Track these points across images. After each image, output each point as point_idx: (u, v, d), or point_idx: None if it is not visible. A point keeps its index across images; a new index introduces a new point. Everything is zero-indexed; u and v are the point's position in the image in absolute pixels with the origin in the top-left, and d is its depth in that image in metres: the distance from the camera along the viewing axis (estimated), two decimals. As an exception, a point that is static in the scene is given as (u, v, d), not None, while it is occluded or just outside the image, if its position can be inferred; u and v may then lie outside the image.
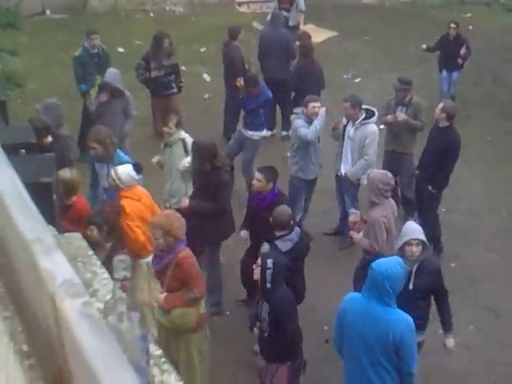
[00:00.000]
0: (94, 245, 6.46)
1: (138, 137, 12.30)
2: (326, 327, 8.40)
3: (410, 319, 5.65)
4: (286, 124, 12.39)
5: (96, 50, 11.89)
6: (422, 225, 9.83)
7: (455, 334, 8.06)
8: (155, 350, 2.21)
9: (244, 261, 8.50)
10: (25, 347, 1.30)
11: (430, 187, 9.66)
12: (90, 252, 2.77)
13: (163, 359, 2.18)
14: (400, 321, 5.61)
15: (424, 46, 14.48)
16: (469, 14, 19.62)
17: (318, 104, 9.72)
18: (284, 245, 7.61)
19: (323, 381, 7.84)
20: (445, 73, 14.15)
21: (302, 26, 15.27)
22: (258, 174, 8.37)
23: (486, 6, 21.49)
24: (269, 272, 6.58)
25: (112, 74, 10.64)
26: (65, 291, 1.03)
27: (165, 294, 6.73)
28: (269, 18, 14.47)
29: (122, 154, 8.65)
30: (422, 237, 6.86)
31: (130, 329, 1.90)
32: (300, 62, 12.54)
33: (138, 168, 8.06)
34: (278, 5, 15.17)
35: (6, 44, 15.36)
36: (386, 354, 5.65)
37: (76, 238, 2.93)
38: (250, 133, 11.06)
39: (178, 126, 9.19)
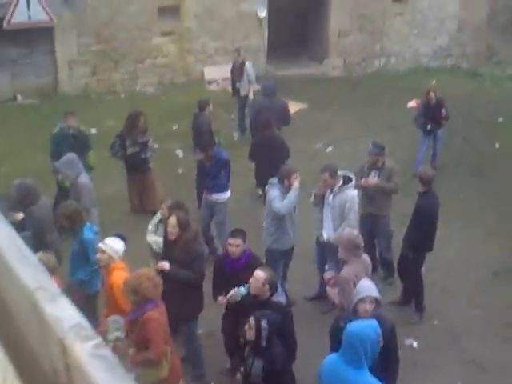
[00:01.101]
0: None
1: (113, 213, 12.32)
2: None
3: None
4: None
5: (71, 131, 12.01)
6: (404, 287, 10.06)
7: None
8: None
9: (224, 329, 8.46)
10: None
11: (410, 253, 9.73)
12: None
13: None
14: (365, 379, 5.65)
15: (429, 126, 14.60)
16: (434, 81, 20.06)
17: (296, 175, 9.81)
18: (282, 298, 7.72)
19: None
20: (429, 135, 14.43)
21: (251, 96, 15.95)
22: (234, 240, 8.28)
23: (450, 72, 22.08)
24: (264, 332, 6.60)
25: (64, 160, 10.54)
26: (74, 335, 1.04)
27: (132, 349, 6.70)
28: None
29: (87, 231, 8.69)
30: (376, 294, 6.91)
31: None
32: (260, 135, 12.84)
33: (123, 238, 8.10)
34: (232, 77, 16.39)
35: (-23, 130, 15.42)
36: None
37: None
38: (215, 196, 11.16)
39: (173, 208, 9.17)
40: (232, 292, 7.99)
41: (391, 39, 22.24)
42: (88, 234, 8.63)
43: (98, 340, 1.04)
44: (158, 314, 6.75)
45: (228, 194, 11.33)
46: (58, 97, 18.09)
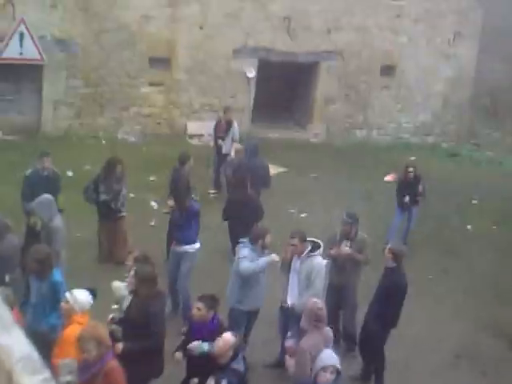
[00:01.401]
0: None
1: (81, 260, 12.17)
2: None
3: None
4: None
5: (46, 173, 11.95)
6: (364, 361, 9.95)
7: None
8: None
9: None
10: None
11: (375, 329, 9.65)
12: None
13: None
14: None
15: (406, 199, 14.69)
16: (413, 157, 20.29)
17: (268, 236, 9.80)
18: (239, 365, 7.54)
19: None
20: (403, 211, 14.54)
21: (232, 154, 15.99)
22: (198, 303, 8.14)
23: (430, 150, 22.40)
24: None
25: (41, 201, 10.41)
26: (22, 368, 1.02)
27: None
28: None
29: (56, 274, 8.55)
30: (337, 364, 6.83)
31: None
32: (233, 195, 12.92)
33: (93, 293, 7.88)
34: (214, 134, 16.53)
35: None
36: None
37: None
38: (186, 247, 11.02)
39: (138, 262, 9.07)
40: (194, 343, 7.86)
41: (375, 111, 22.58)
42: (58, 276, 8.52)
43: (47, 374, 1.02)
44: (117, 363, 6.61)
45: (198, 245, 11.18)
46: (40, 136, 18.10)
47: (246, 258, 9.59)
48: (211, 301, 8.16)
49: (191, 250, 11.08)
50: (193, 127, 20.28)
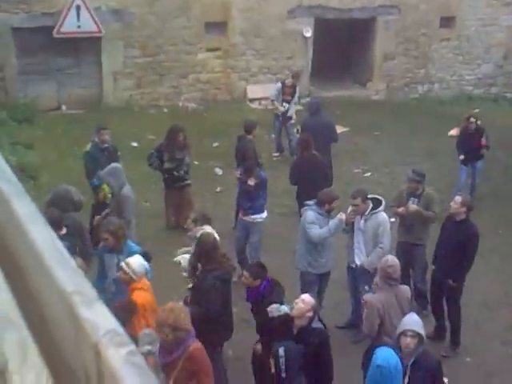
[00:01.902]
0: None
1: (149, 229, 12.33)
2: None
3: None
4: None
5: (106, 145, 12.03)
6: (437, 319, 9.85)
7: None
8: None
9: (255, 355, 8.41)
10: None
11: (450, 281, 9.57)
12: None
13: None
14: None
15: (461, 157, 14.51)
16: (477, 110, 19.91)
17: (336, 201, 9.77)
18: (318, 324, 7.60)
19: None
20: (467, 166, 14.30)
21: (294, 117, 16.32)
22: (244, 272, 8.37)
23: (494, 101, 21.94)
24: (282, 361, 6.48)
25: (109, 170, 10.61)
26: (109, 341, 1.02)
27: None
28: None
29: (132, 245, 8.65)
30: (420, 330, 6.74)
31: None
32: (300, 156, 12.77)
33: (147, 257, 8.05)
34: (280, 96, 16.33)
35: (21, 138, 15.63)
36: None
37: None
38: (253, 217, 11.06)
39: (198, 222, 9.12)
40: (273, 306, 7.84)
41: (435, 65, 22.17)
42: (135, 247, 8.62)
43: (132, 347, 1.03)
44: (200, 344, 6.64)
45: (265, 214, 11.24)
46: (102, 108, 18.25)
47: (315, 224, 9.56)
48: (256, 271, 8.29)
49: (259, 220, 11.10)
50: (252, 91, 20.22)
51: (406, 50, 21.74)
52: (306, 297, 7.49)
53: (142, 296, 7.51)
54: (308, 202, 10.05)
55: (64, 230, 8.43)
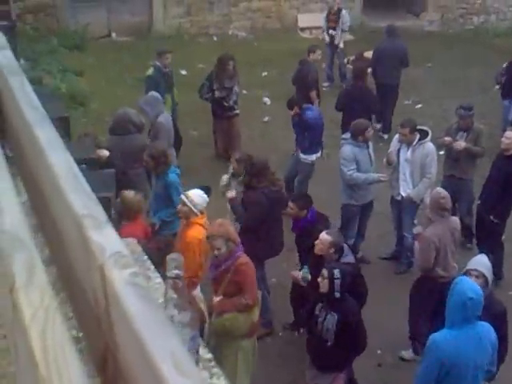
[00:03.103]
0: None
1: (198, 158, 12.44)
2: (379, 351, 8.36)
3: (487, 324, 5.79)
4: (383, 125, 13.82)
5: (167, 70, 12.01)
6: (480, 253, 9.80)
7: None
8: (205, 354, 2.23)
9: (293, 284, 8.54)
10: (75, 333, 1.34)
11: (491, 217, 9.51)
12: (145, 257, 2.82)
13: (213, 363, 2.19)
14: (489, 329, 5.77)
15: (497, 87, 14.28)
16: (533, 42, 19.42)
17: (370, 129, 9.75)
18: (350, 258, 7.70)
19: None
20: (508, 100, 14.01)
21: (341, 45, 16.19)
22: (290, 203, 8.37)
23: (551, 34, 21.27)
24: (337, 282, 6.59)
25: (148, 99, 10.61)
26: (114, 262, 1.06)
27: (220, 297, 6.78)
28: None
29: (171, 174, 8.70)
30: (485, 271, 6.62)
31: (179, 329, 1.93)
32: (351, 85, 12.66)
33: (207, 191, 7.93)
34: (327, 25, 16.20)
35: (72, 65, 15.71)
36: (486, 364, 5.80)
37: (131, 244, 2.98)
38: (301, 155, 11.05)
39: (241, 163, 9.13)
40: (297, 274, 7.96)
41: (492, -5, 21.55)
42: (172, 176, 8.66)
43: (136, 268, 1.06)
44: (248, 258, 6.80)
45: (312, 157, 11.05)
46: (152, 36, 18.22)
47: (348, 161, 9.51)
48: (302, 201, 8.38)
49: (304, 160, 11.04)
50: (303, 20, 19.92)
51: (463, -21, 21.15)
52: (322, 235, 7.51)
53: (200, 231, 7.40)
54: (344, 136, 10.03)
55: (106, 153, 8.56)
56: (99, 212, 1.15)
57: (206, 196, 7.68)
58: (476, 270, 6.63)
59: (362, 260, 9.66)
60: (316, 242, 7.56)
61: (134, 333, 0.97)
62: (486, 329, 5.73)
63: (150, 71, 11.92)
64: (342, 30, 16.22)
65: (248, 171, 8.42)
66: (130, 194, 7.67)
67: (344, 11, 16.35)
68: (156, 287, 2.49)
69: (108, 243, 1.10)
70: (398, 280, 9.65)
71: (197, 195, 7.60)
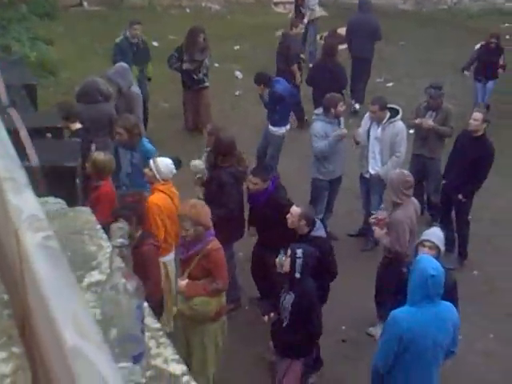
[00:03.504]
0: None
1: (167, 130, 12.37)
2: (343, 327, 8.41)
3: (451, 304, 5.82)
4: (357, 96, 14.13)
5: (136, 41, 11.97)
6: (446, 231, 9.86)
7: (474, 342, 8.03)
8: (153, 323, 2.20)
9: (253, 257, 8.58)
10: (6, 297, 1.31)
11: (460, 196, 9.57)
12: (98, 226, 2.79)
13: (161, 332, 2.17)
14: (451, 308, 5.77)
15: (465, 72, 14.39)
16: (507, 24, 19.46)
17: (341, 103, 9.67)
18: (321, 232, 7.63)
19: (338, 381, 7.79)
20: (481, 82, 14.12)
21: (305, 21, 15.93)
22: (253, 178, 8.14)
23: (525, 17, 21.35)
24: (298, 262, 6.57)
25: (117, 69, 10.47)
26: (28, 225, 1.03)
27: (186, 280, 6.75)
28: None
29: (146, 143, 8.68)
30: (439, 243, 6.68)
31: (124, 298, 1.90)
32: (321, 60, 12.75)
33: (176, 164, 7.94)
34: (295, 1, 16.37)
35: (42, 33, 15.51)
36: (447, 344, 5.79)
37: (85, 212, 2.94)
38: (270, 128, 11.10)
39: (213, 135, 9.09)
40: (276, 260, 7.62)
41: (467, -25, 21.56)
42: (148, 145, 8.64)
43: (50, 232, 1.03)
44: (219, 243, 6.72)
45: (283, 129, 11.13)
46: (124, 6, 18.06)
47: (317, 137, 9.52)
48: (264, 173, 8.24)
49: (275, 133, 11.08)
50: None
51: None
52: (293, 209, 7.46)
53: (159, 197, 7.51)
54: (316, 111, 10.03)
55: (78, 125, 8.46)
56: (20, 175, 1.11)
57: (173, 167, 7.71)
58: (429, 240, 6.68)
59: (330, 236, 9.67)
60: (287, 216, 7.53)
61: (41, 296, 0.94)
62: (448, 308, 5.74)
63: (118, 39, 12.01)
64: (309, 9, 16.12)
65: (214, 149, 8.23)
66: (100, 155, 7.63)
67: None
68: (107, 256, 2.46)
69: (25, 206, 1.06)
70: (365, 257, 9.69)
71: (164, 163, 7.64)
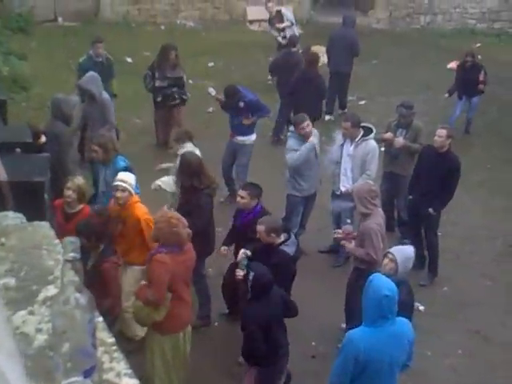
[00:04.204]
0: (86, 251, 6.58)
1: (139, 145, 12.35)
2: (313, 343, 8.41)
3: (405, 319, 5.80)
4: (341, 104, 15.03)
5: (100, 59, 11.99)
6: (416, 248, 9.91)
7: (444, 357, 8.06)
8: (108, 338, 2.20)
9: (226, 276, 8.49)
10: None
11: (431, 210, 9.61)
12: (56, 241, 2.79)
13: (114, 347, 2.17)
14: (406, 324, 5.77)
15: (446, 95, 14.54)
16: (479, 44, 19.70)
17: (307, 123, 9.64)
18: (290, 249, 7.63)
19: (308, 397, 7.79)
20: (464, 99, 14.28)
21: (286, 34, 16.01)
22: (241, 192, 8.19)
23: (496, 36, 21.65)
24: (249, 283, 6.61)
25: (88, 77, 10.62)
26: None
27: (144, 282, 6.79)
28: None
29: (120, 161, 8.66)
30: (399, 258, 6.71)
31: (76, 312, 1.91)
32: (303, 71, 12.99)
33: (130, 169, 8.17)
34: (275, 28, 16.13)
35: (15, 48, 15.47)
36: (403, 360, 5.80)
37: (43, 227, 2.93)
38: (241, 138, 11.08)
39: (180, 140, 9.10)
40: (238, 258, 7.63)
41: (440, -4, 21.79)
42: (122, 162, 8.61)
43: None
44: (167, 259, 6.58)
45: (254, 136, 11.22)
46: (99, 22, 18.04)
47: (290, 150, 9.58)
48: (255, 189, 8.22)
49: (248, 142, 11.11)
50: (252, 12, 19.90)
51: (411, -22, 21.36)
52: (257, 228, 7.50)
53: (144, 209, 7.67)
54: (290, 128, 10.11)
55: (43, 139, 8.49)
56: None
57: (133, 175, 7.79)
58: (392, 253, 6.75)
59: (301, 252, 9.68)
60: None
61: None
62: (403, 324, 5.73)
63: (82, 59, 12.09)
64: (289, 27, 16.10)
65: (184, 172, 8.10)
66: (79, 180, 7.69)
67: (283, 9, 16.42)
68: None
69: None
70: (335, 273, 9.71)
71: (130, 176, 7.71)
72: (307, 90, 12.27)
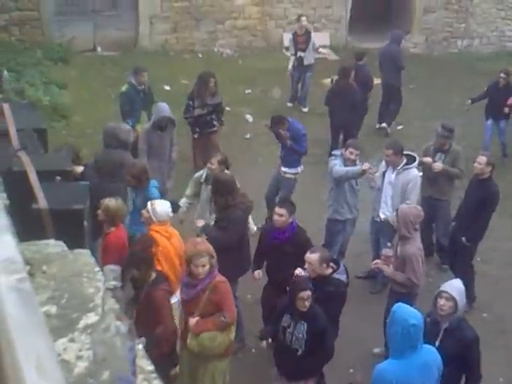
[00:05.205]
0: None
1: (177, 172, 12.41)
2: (351, 370, 8.35)
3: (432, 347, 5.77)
4: (387, 117, 15.43)
5: (142, 87, 12.06)
6: (454, 275, 9.85)
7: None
8: (147, 366, 2.23)
9: (264, 299, 8.49)
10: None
11: (464, 239, 9.55)
12: (96, 269, 2.84)
13: (154, 375, 2.20)
14: (433, 352, 5.76)
15: (469, 101, 14.50)
16: (516, 66, 19.57)
17: (356, 152, 9.66)
18: (342, 277, 7.63)
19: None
20: (490, 121, 14.18)
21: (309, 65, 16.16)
22: (280, 210, 8.07)
23: (535, 59, 21.44)
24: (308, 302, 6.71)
25: (163, 106, 10.84)
26: (3, 268, 1.07)
27: (197, 318, 6.75)
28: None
29: (153, 188, 8.76)
30: (456, 295, 6.60)
31: (117, 340, 1.94)
32: (336, 82, 13.61)
33: (174, 207, 8.17)
34: (295, 46, 15.98)
35: (55, 77, 15.71)
36: None
37: (84, 255, 2.99)
38: (284, 169, 11.05)
39: (221, 163, 9.17)
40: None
41: (477, 20, 21.71)
42: (153, 191, 8.71)
43: (24, 275, 1.08)
44: (223, 277, 6.76)
45: (298, 169, 11.09)
46: (137, 51, 18.24)
47: (338, 164, 9.57)
48: (291, 206, 8.21)
49: (290, 175, 11.03)
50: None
51: (447, 3, 21.27)
52: (308, 257, 7.41)
53: (156, 238, 7.58)
54: (334, 152, 10.10)
55: (81, 168, 8.60)
56: (1, 218, 1.16)
57: (169, 210, 7.88)
58: (447, 292, 6.62)
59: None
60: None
61: (7, 336, 0.98)
62: (431, 352, 5.69)
63: (124, 88, 12.01)
64: (314, 49, 16.18)
65: (218, 192, 8.16)
66: (111, 201, 7.73)
67: (313, 34, 16.41)
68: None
69: (2, 249, 1.11)
70: (374, 299, 9.67)
71: (161, 206, 7.84)
72: (339, 101, 12.92)
